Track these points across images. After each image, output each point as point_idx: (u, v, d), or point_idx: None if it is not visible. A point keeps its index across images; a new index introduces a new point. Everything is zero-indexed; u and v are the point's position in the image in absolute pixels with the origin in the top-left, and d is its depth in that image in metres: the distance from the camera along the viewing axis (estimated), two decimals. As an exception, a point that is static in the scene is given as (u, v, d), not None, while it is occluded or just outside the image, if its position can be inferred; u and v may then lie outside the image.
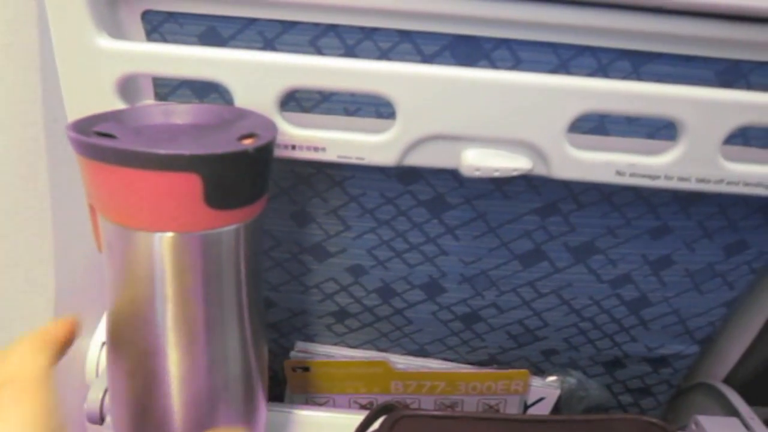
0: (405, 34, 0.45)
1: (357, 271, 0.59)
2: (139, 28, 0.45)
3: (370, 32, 0.45)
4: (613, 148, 0.44)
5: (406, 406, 0.49)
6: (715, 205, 0.52)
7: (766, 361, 0.65)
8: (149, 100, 0.48)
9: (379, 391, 0.66)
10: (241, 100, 0.42)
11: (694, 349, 0.64)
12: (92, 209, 0.38)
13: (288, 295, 0.62)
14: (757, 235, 0.55)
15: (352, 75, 0.41)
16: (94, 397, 0.51)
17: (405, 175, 0.51)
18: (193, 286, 0.37)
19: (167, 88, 0.48)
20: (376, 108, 0.48)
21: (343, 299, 0.62)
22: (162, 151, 0.32)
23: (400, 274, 0.59)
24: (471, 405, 0.67)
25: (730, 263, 0.57)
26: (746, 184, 0.44)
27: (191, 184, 0.33)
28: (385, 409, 0.49)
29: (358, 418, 0.51)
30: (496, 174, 0.43)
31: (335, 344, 0.67)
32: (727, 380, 0.67)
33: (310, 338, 0.66)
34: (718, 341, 0.67)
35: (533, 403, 0.67)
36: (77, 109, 0.43)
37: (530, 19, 0.42)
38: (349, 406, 0.68)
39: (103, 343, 0.56)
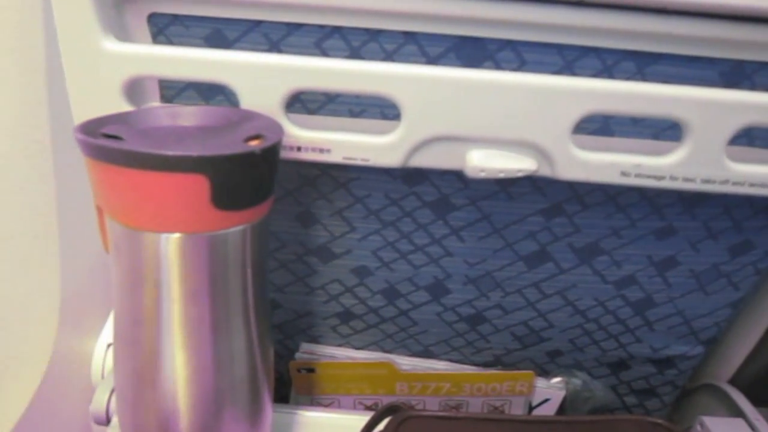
0: (410, 36, 0.45)
1: (362, 272, 0.59)
2: (145, 30, 0.45)
3: (375, 34, 0.45)
4: (617, 149, 0.44)
5: (411, 407, 0.49)
6: (720, 205, 0.52)
7: (771, 362, 0.65)
8: (155, 103, 0.48)
9: (384, 392, 0.66)
10: (247, 102, 0.42)
11: (700, 349, 0.64)
12: (99, 210, 0.38)
13: (293, 297, 0.62)
14: (762, 235, 0.54)
15: (358, 77, 0.41)
16: (101, 399, 0.51)
17: (410, 177, 0.52)
18: (200, 286, 0.37)
19: (173, 91, 0.48)
20: (381, 110, 0.48)
21: (348, 300, 0.62)
22: (169, 153, 0.32)
23: (405, 275, 0.59)
24: (476, 406, 0.67)
25: (735, 264, 0.57)
26: (751, 185, 0.44)
27: (198, 185, 0.33)
28: (390, 410, 0.49)
29: (363, 419, 0.51)
30: (501, 175, 0.43)
31: (340, 345, 0.67)
32: (733, 381, 0.67)
33: (315, 340, 0.66)
34: (723, 342, 0.66)
35: (538, 405, 0.67)
36: (84, 112, 0.43)
37: (535, 20, 0.42)
38: (354, 408, 0.68)
39: (109, 345, 0.56)
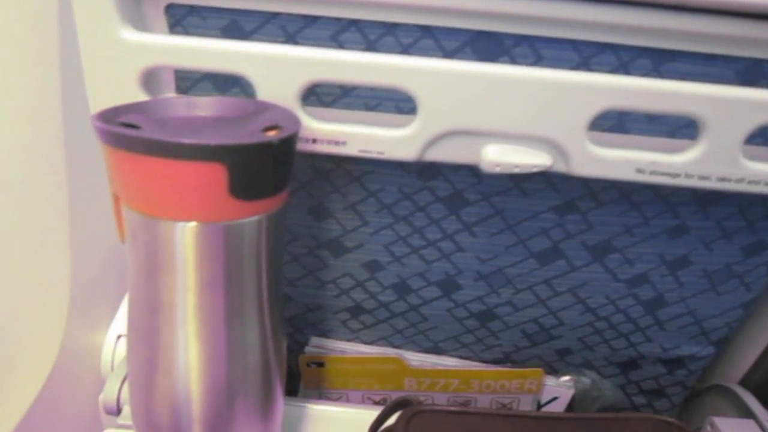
0: (426, 30, 0.45)
1: (373, 266, 0.59)
2: (162, 21, 0.45)
3: (391, 27, 0.45)
4: (632, 146, 0.44)
5: (422, 402, 0.49)
6: (734, 205, 0.52)
7: (782, 364, 0.65)
8: (171, 94, 0.49)
9: (392, 387, 0.66)
10: (263, 94, 0.42)
11: (710, 350, 0.64)
12: (116, 199, 0.38)
13: (304, 291, 0.62)
14: None
15: (376, 69, 0.41)
16: (112, 389, 0.52)
17: (424, 171, 0.52)
18: (215, 276, 0.37)
19: (189, 82, 0.48)
20: (396, 103, 0.48)
21: (358, 295, 0.62)
22: (188, 141, 0.32)
23: (416, 270, 0.59)
24: (484, 403, 0.67)
25: (748, 264, 0.56)
26: (767, 184, 0.43)
27: (216, 174, 0.33)
28: (401, 404, 0.49)
29: (371, 413, 0.51)
30: (516, 170, 0.43)
31: (350, 340, 0.67)
32: (742, 382, 0.67)
33: (324, 334, 0.66)
34: (734, 343, 0.66)
35: (547, 403, 0.67)
36: (100, 101, 0.43)
37: (552, 15, 0.42)
38: (363, 402, 0.68)
39: (119, 336, 0.56)
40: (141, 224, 0.36)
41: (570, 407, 0.67)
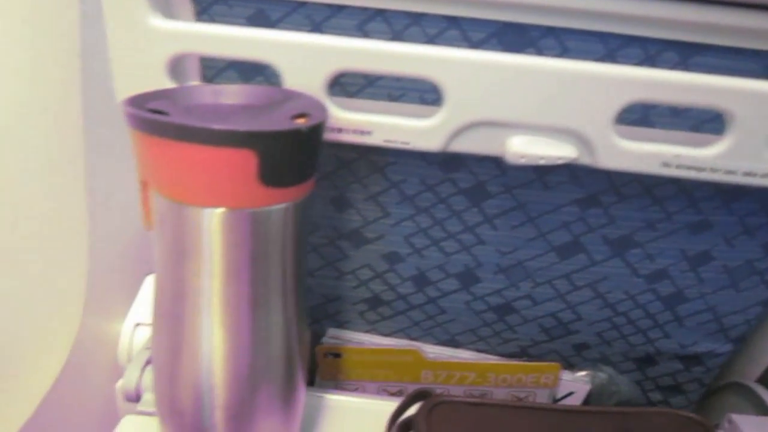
0: (452, 21, 0.45)
1: (393, 258, 0.59)
2: (188, 9, 0.46)
3: (417, 18, 0.45)
4: (657, 139, 0.44)
5: (440, 393, 0.49)
6: (757, 201, 0.52)
7: (801, 362, 0.64)
8: (195, 82, 0.49)
9: (409, 379, 0.66)
10: (289, 82, 0.42)
11: (728, 347, 0.64)
12: (144, 185, 0.38)
13: (323, 281, 0.62)
14: None
15: (403, 59, 0.41)
16: (132, 376, 0.52)
17: (446, 162, 0.52)
18: (241, 263, 0.37)
19: (214, 70, 0.48)
20: (420, 94, 0.48)
21: (377, 286, 0.62)
22: (220, 127, 0.32)
23: (435, 262, 0.59)
24: (500, 397, 0.67)
25: (770, 261, 0.56)
26: None
27: (246, 160, 0.33)
28: (420, 395, 0.49)
29: (388, 404, 0.51)
30: (542, 162, 0.43)
31: (367, 332, 0.67)
32: (761, 380, 0.67)
33: (342, 325, 0.67)
34: (753, 340, 0.66)
35: (563, 397, 0.67)
36: (126, 88, 0.44)
37: (578, 7, 0.42)
38: (379, 394, 0.68)
39: (137, 325, 0.57)
40: (169, 210, 0.36)
41: (586, 402, 0.67)
